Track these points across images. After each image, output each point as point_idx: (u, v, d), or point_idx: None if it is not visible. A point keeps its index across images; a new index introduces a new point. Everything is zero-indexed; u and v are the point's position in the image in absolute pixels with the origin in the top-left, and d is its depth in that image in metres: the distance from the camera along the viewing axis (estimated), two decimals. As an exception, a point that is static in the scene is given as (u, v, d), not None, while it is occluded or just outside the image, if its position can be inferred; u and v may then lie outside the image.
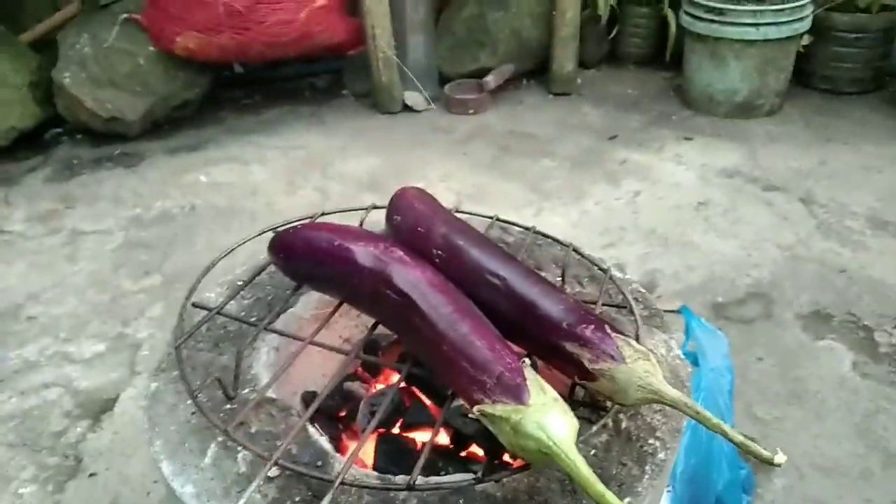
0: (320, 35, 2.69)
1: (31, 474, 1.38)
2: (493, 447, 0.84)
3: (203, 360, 0.80)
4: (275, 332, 0.77)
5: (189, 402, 0.74)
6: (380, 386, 0.95)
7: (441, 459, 0.81)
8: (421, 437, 0.85)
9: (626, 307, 0.85)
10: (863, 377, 1.57)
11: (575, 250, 0.95)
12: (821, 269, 1.90)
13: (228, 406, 0.72)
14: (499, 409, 0.57)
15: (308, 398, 0.98)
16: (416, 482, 0.60)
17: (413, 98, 2.94)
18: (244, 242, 0.92)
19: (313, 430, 0.69)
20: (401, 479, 0.64)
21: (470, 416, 0.60)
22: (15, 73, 2.63)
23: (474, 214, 1.00)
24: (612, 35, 3.29)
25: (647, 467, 0.70)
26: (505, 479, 0.65)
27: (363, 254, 0.70)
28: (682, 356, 0.83)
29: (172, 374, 0.78)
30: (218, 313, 0.78)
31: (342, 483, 0.59)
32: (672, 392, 0.60)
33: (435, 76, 3.06)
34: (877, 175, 2.33)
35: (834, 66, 2.88)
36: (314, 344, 0.75)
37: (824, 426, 1.45)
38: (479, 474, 0.60)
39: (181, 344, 0.73)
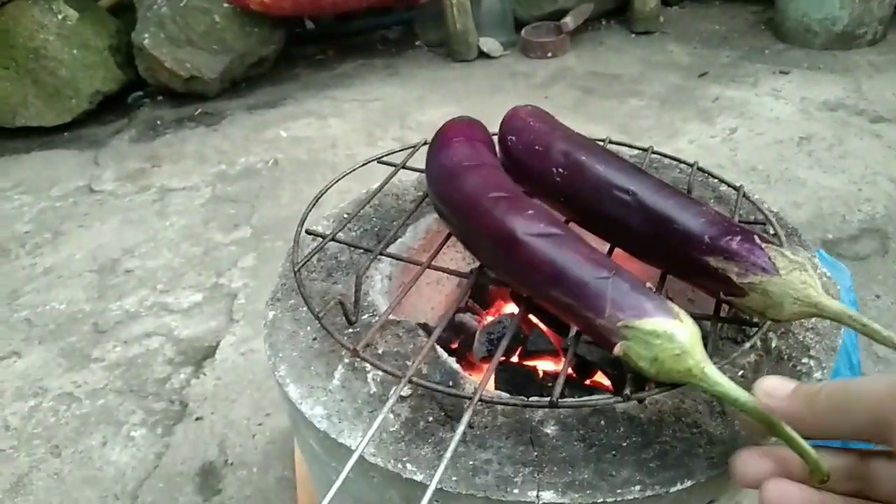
0: (393, -17, 2.63)
1: (140, 418, 1.41)
2: (619, 375, 0.80)
3: (318, 288, 0.77)
4: (391, 256, 0.74)
5: (309, 328, 0.72)
6: (490, 318, 0.92)
7: (565, 388, 0.77)
8: (542, 365, 0.81)
9: (763, 223, 0.78)
10: None
11: (700, 169, 0.88)
12: (942, 202, 1.76)
13: (351, 330, 0.69)
14: (648, 324, 0.53)
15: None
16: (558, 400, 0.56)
17: (488, 44, 2.86)
18: (352, 171, 0.89)
19: (441, 351, 0.66)
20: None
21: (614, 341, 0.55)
22: (96, 37, 2.68)
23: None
24: (696, -32, 3.11)
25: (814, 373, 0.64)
26: (648, 400, 0.61)
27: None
28: (828, 274, 0.76)
29: (289, 303, 0.76)
30: (333, 240, 0.75)
31: (480, 400, 0.56)
32: (834, 304, 0.54)
33: (510, 21, 2.96)
34: None
35: (947, -14, 2.64)
36: (432, 268, 0.72)
37: (956, 364, 1.35)
38: (627, 392, 0.56)
39: (300, 268, 0.71)
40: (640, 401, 0.60)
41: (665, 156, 0.94)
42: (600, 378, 0.80)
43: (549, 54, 2.80)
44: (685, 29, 2.96)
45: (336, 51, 3.14)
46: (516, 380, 0.77)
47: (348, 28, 3.21)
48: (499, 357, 0.61)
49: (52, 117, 2.66)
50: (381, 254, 0.73)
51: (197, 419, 1.39)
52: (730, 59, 2.64)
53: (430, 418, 0.60)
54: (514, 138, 0.78)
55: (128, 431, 1.38)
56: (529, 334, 0.81)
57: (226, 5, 2.61)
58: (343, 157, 2.29)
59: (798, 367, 0.65)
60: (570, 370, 0.81)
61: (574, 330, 0.79)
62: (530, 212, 0.63)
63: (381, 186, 0.83)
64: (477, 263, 0.73)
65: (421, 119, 2.47)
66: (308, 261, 0.71)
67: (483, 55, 2.88)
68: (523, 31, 2.88)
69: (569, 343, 0.80)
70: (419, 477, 0.54)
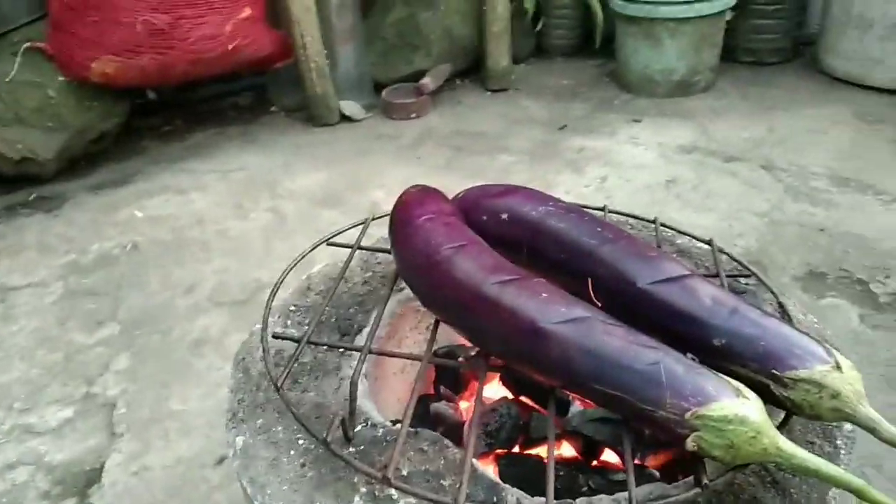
0: (247, 49, 2.52)
1: (13, 572, 1.17)
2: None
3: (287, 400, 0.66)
4: (382, 353, 0.65)
5: (292, 452, 0.61)
6: (464, 404, 0.84)
7: (575, 472, 0.71)
8: (546, 452, 0.74)
9: (749, 275, 0.78)
10: (873, 329, 1.57)
11: (663, 224, 0.87)
12: (801, 231, 1.91)
13: (353, 449, 0.59)
14: (717, 410, 0.49)
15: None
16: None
17: (350, 107, 2.81)
18: (303, 256, 0.78)
19: (477, 463, 0.57)
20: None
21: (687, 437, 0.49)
22: None
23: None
24: (537, 28, 3.27)
25: (838, 441, 0.62)
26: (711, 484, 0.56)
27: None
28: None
29: (257, 423, 0.65)
30: (308, 342, 0.65)
31: (555, 518, 0.48)
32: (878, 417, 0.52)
33: (369, 84, 2.94)
34: (823, 136, 2.39)
35: (755, 38, 2.97)
36: (436, 362, 0.63)
37: (854, 383, 1.44)
38: (706, 481, 0.51)
39: (283, 383, 0.59)
40: (703, 486, 0.55)
41: (618, 213, 0.93)
42: (607, 455, 0.75)
43: (413, 115, 2.80)
44: (536, 85, 3.09)
45: (184, 120, 2.95)
46: (525, 473, 0.69)
47: (195, 96, 3.04)
48: (552, 456, 0.54)
49: None
50: (370, 352, 0.63)
51: (92, 561, 1.17)
52: (584, 112, 2.78)
53: (482, 545, 0.51)
54: (485, 217, 0.73)
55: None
56: (528, 420, 0.74)
57: (60, 78, 2.37)
58: (213, 233, 2.12)
59: (823, 451, 0.64)
60: (575, 453, 0.75)
61: (576, 407, 0.73)
62: (544, 294, 0.57)
63: (343, 272, 0.74)
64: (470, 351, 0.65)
65: (292, 187, 2.35)
66: (288, 373, 0.60)
67: (345, 118, 2.82)
68: (384, 93, 2.86)
69: (573, 424, 0.74)
70: None
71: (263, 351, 0.63)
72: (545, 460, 0.73)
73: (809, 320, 0.75)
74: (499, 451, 0.72)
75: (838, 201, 2.03)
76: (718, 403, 0.49)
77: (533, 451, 0.73)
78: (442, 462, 0.57)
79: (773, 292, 0.73)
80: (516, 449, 0.73)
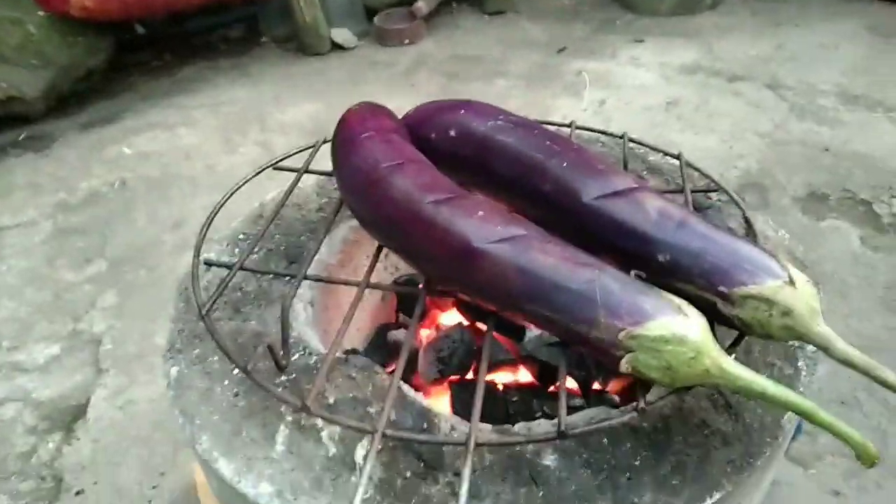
0: (232, -24, 2.43)
1: (4, 505, 1.18)
2: (587, 376, 0.72)
3: (227, 330, 0.64)
4: (318, 279, 0.62)
5: (227, 382, 0.59)
6: (425, 332, 0.81)
7: (530, 398, 0.68)
8: (502, 377, 0.71)
9: (716, 190, 0.73)
10: (874, 251, 1.52)
11: (631, 140, 0.82)
12: (805, 151, 1.84)
13: (284, 378, 0.57)
14: (654, 329, 0.45)
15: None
16: (566, 428, 0.46)
17: (342, 35, 2.72)
18: (246, 182, 0.75)
19: (407, 388, 0.55)
20: (542, 426, 0.51)
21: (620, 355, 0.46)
22: None
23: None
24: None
25: (800, 363, 0.59)
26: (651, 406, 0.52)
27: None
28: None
29: (193, 353, 0.62)
30: (241, 268, 0.62)
31: (477, 445, 0.45)
32: (840, 342, 0.47)
33: (360, 9, 2.83)
34: (834, 52, 2.28)
35: (768, -51, 2.81)
36: (373, 286, 0.60)
37: (852, 305, 1.39)
38: (642, 404, 0.48)
39: (209, 310, 0.57)
40: (639, 410, 0.52)
41: (587, 129, 0.88)
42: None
43: (407, 41, 2.71)
44: (536, 7, 2.97)
45: (174, 55, 2.88)
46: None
47: (184, 29, 2.95)
48: (482, 384, 0.51)
49: None
50: (305, 278, 0.60)
51: (77, 493, 1.18)
52: (584, 33, 2.67)
53: (408, 473, 0.49)
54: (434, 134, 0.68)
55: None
56: (482, 345, 0.71)
57: (40, 13, 2.30)
58: (202, 168, 2.08)
59: (790, 342, 0.60)
60: (531, 379, 0.72)
61: (532, 332, 0.70)
62: (480, 213, 0.53)
63: (286, 197, 0.70)
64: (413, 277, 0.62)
65: (283, 119, 2.29)
66: (216, 299, 0.57)
67: (337, 47, 2.73)
68: (376, 20, 2.76)
69: (528, 349, 0.71)
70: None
71: (193, 279, 0.60)
72: (498, 386, 0.70)
73: (780, 236, 0.71)
74: (452, 377, 0.69)
75: (846, 119, 1.94)
76: (655, 322, 0.45)
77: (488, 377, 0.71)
78: (370, 389, 0.54)
79: (739, 206, 0.69)
80: (470, 375, 0.70)
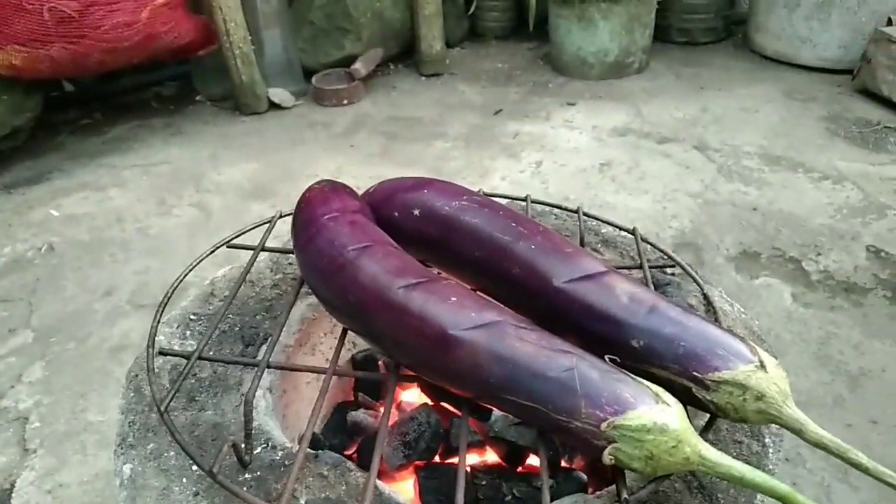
0: (166, 36, 2.39)
1: None
2: (555, 455, 0.71)
3: (182, 421, 0.60)
4: (282, 368, 0.59)
5: (185, 480, 0.55)
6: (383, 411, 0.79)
7: (498, 480, 0.67)
8: (469, 459, 0.70)
9: (673, 266, 0.75)
10: (805, 307, 1.58)
11: (586, 214, 0.83)
12: (734, 211, 1.92)
13: (249, 476, 0.54)
14: (635, 420, 0.45)
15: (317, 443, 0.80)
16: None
17: (279, 94, 2.71)
18: (199, 261, 0.72)
19: (383, 486, 0.53)
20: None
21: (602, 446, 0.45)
22: None
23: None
24: (470, 11, 3.22)
25: (766, 440, 0.60)
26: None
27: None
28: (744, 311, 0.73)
29: (147, 448, 0.58)
30: (200, 358, 0.59)
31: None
32: (812, 426, 0.48)
33: (298, 69, 2.84)
34: (755, 115, 2.42)
35: (688, 17, 2.98)
36: (341, 374, 0.58)
37: (787, 361, 1.44)
38: (626, 496, 0.47)
39: (167, 406, 0.53)
40: (625, 501, 0.52)
41: (543, 203, 0.89)
42: (533, 460, 0.71)
43: (345, 101, 2.72)
44: (471, 69, 3.04)
45: (104, 113, 2.81)
46: (446, 485, 0.65)
47: (116, 87, 2.89)
48: (463, 469, 0.50)
49: None
50: (268, 367, 0.58)
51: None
52: (519, 95, 2.74)
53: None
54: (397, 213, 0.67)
55: None
56: (449, 426, 0.70)
57: (-38, 70, 2.21)
58: (134, 231, 2.01)
59: (751, 451, 0.61)
60: (498, 459, 0.71)
61: (496, 412, 0.69)
62: (454, 299, 0.53)
63: (244, 276, 0.68)
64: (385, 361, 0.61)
65: (219, 179, 2.25)
66: (174, 395, 0.54)
67: (275, 106, 2.72)
68: (314, 80, 2.77)
69: (495, 429, 0.70)
70: None
71: (148, 371, 0.57)
72: (467, 469, 0.69)
73: (737, 311, 0.72)
74: (418, 462, 0.67)
75: (770, 180, 2.04)
76: (636, 412, 0.45)
77: (455, 460, 0.69)
78: (343, 487, 0.52)
79: (698, 283, 0.71)
80: (437, 459, 0.69)
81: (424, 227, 0.65)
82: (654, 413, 0.45)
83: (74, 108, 2.84)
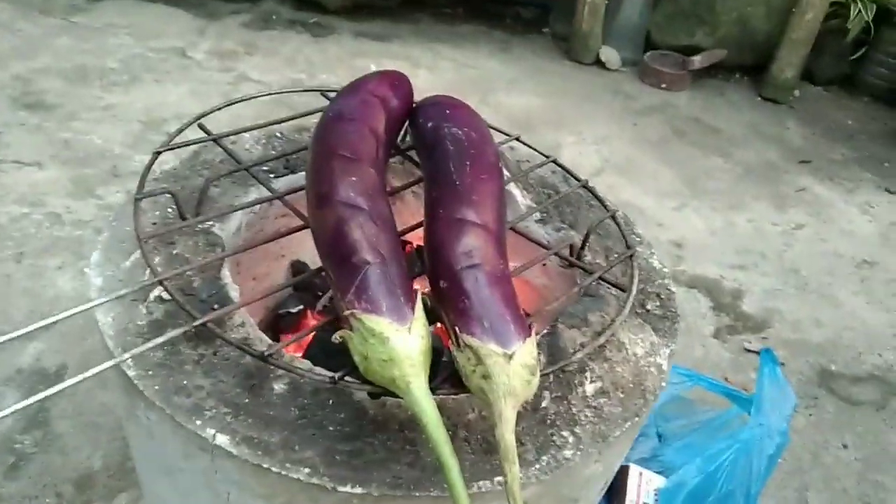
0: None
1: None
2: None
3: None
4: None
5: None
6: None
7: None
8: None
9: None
10: None
11: (587, 188, 0.82)
12: None
13: (182, 225, 0.70)
14: (371, 321, 0.51)
15: (299, 267, 0.96)
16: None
17: (608, 53, 2.76)
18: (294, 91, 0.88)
19: (227, 274, 0.66)
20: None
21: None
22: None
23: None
24: (855, 56, 2.87)
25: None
26: (391, 402, 0.58)
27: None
28: (664, 368, 0.69)
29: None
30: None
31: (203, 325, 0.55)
32: (509, 436, 0.49)
33: (641, 40, 2.85)
34: None
35: None
36: (285, 202, 0.71)
37: None
38: (338, 375, 0.54)
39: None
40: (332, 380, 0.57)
41: (565, 169, 0.88)
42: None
43: (663, 86, 2.68)
44: (816, 112, 2.76)
45: (464, 10, 3.13)
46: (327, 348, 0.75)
47: (485, -5, 3.19)
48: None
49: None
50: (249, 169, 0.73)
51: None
52: (842, 158, 2.44)
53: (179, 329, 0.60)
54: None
55: (84, 266, 1.46)
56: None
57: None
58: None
59: (554, 438, 0.61)
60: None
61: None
62: (354, 178, 0.62)
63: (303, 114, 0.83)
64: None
65: (503, 100, 2.43)
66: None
67: (599, 63, 2.79)
68: (647, 55, 2.76)
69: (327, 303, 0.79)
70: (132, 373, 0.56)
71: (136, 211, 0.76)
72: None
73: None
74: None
75: None
76: (377, 317, 0.51)
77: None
78: (200, 258, 0.66)
79: (605, 206, 0.68)
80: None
81: (427, 139, 0.73)
82: (387, 327, 0.51)
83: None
